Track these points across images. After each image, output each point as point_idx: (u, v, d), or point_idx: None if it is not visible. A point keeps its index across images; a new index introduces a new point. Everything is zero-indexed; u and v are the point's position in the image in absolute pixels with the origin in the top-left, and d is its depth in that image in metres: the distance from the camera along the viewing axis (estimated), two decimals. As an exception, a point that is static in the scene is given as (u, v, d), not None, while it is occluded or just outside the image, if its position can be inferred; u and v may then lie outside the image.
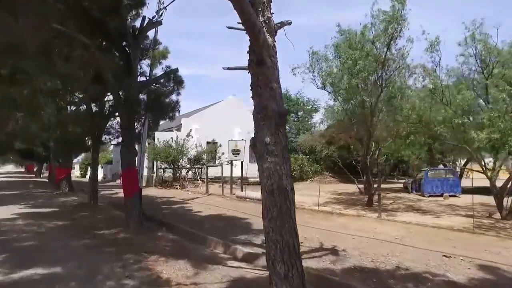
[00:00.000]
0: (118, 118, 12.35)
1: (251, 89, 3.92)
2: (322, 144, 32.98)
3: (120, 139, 13.25)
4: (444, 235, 7.39)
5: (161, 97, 8.54)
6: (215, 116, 28.22)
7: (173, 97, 9.19)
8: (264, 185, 3.67)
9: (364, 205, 12.10)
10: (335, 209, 11.21)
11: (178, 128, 26.10)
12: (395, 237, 7.09)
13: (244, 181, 18.96)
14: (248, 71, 3.91)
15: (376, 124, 10.87)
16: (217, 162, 23.07)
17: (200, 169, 21.41)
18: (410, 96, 10.49)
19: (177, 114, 9.51)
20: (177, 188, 20.49)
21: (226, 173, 19.87)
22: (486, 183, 9.49)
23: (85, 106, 11.16)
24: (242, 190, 15.83)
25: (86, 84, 7.84)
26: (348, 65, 10.10)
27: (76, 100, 10.89)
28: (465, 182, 17.56)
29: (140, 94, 8.26)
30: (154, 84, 8.38)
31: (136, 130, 9.06)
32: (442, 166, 18.57)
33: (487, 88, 8.94)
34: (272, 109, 3.71)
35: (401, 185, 20.96)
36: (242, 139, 16.61)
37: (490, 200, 13.67)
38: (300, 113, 42.99)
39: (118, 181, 24.94)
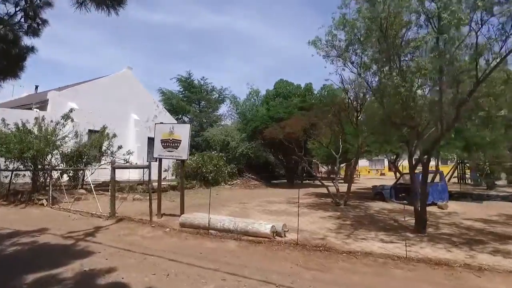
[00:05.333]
0: None
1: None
2: (236, 141, 28.06)
3: None
4: None
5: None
6: (101, 94, 19.63)
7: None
8: None
9: (409, 231, 7.73)
10: (385, 247, 6.32)
11: (43, 106, 16.66)
12: None
13: (149, 188, 11.94)
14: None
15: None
16: (103, 159, 15.30)
17: (89, 171, 13.29)
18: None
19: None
20: (42, 204, 11.97)
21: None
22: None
23: None
24: (183, 212, 9.27)
25: None
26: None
27: None
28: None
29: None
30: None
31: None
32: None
33: None
34: None
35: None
36: (184, 122, 9.98)
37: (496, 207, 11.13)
38: (202, 103, 36.48)
39: None
